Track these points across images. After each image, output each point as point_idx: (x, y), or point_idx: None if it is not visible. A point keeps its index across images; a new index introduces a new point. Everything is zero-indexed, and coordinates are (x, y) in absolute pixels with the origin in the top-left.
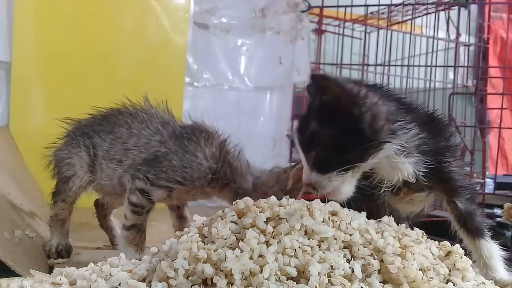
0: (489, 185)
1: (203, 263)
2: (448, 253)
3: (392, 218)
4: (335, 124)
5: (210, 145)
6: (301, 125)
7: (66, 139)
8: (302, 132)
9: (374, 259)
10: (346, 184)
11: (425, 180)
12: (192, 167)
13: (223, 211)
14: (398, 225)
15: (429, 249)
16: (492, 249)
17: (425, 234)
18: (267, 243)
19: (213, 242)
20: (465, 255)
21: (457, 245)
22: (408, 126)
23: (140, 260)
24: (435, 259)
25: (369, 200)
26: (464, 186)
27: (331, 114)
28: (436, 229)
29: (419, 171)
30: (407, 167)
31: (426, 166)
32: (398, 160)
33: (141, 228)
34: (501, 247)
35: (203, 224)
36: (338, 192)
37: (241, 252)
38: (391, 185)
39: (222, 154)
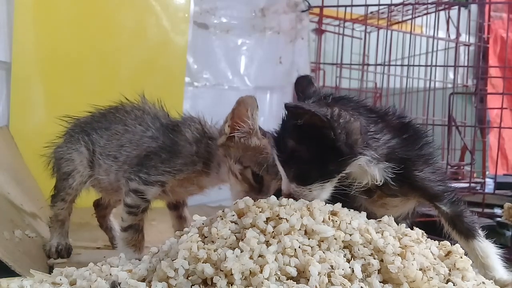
0: (489, 185)
1: (203, 263)
2: (448, 253)
3: (392, 218)
4: (312, 143)
5: (192, 130)
6: (278, 142)
7: (64, 137)
8: (279, 149)
9: (374, 259)
10: (324, 192)
11: (395, 185)
12: (178, 155)
13: (223, 211)
14: None
15: (429, 249)
16: (487, 249)
17: (425, 234)
18: (267, 243)
19: (213, 242)
20: (465, 255)
21: (457, 245)
22: (378, 135)
23: (139, 260)
24: (435, 259)
25: (346, 203)
26: (443, 191)
27: (307, 135)
28: (436, 229)
29: (388, 176)
30: (375, 173)
31: (395, 172)
32: (367, 168)
33: (138, 228)
34: (501, 247)
35: (203, 224)
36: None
37: (241, 252)
38: (362, 186)
39: (204, 136)
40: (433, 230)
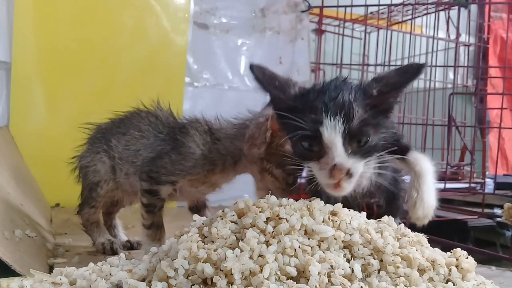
0: (489, 185)
1: (203, 262)
2: (452, 253)
3: (392, 218)
4: (377, 111)
5: (200, 132)
6: (343, 114)
7: (87, 145)
8: (347, 118)
9: (374, 259)
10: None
11: None
12: (186, 158)
13: (223, 211)
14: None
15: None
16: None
17: (424, 235)
18: (267, 243)
19: (213, 241)
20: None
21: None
22: None
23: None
24: (433, 261)
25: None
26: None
27: (375, 102)
28: (436, 229)
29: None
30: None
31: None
32: None
33: (159, 225)
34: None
35: (203, 223)
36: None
37: (241, 251)
38: None
39: (212, 137)
40: (433, 230)
